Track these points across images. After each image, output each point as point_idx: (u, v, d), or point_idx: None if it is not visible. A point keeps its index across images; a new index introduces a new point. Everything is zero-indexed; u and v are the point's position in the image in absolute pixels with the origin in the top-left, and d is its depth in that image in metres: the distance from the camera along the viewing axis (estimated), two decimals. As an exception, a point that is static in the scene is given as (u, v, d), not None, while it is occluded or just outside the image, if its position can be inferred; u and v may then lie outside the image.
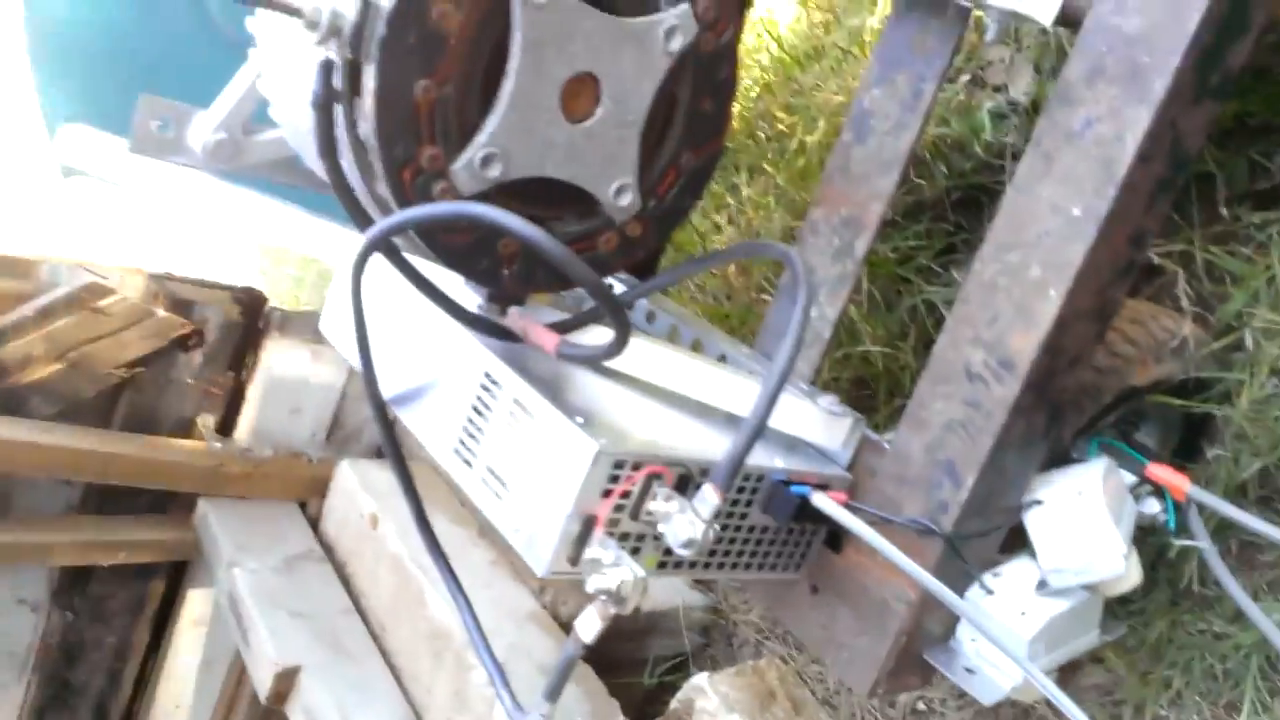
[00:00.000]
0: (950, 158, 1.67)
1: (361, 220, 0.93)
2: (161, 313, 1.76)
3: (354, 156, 0.89)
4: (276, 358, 1.94)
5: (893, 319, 1.73)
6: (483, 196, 0.91)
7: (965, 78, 1.72)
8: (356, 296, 0.96)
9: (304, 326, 1.97)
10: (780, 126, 1.77)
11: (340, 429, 2.08)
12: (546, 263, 1.01)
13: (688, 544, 0.89)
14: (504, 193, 0.93)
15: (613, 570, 0.87)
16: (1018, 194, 1.06)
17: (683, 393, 1.12)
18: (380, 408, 1.09)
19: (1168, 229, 1.47)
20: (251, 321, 1.93)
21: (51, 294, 1.72)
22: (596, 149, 0.96)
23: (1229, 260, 1.38)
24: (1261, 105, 1.40)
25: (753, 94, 1.83)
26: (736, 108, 1.88)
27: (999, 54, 1.72)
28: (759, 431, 0.86)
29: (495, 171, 0.90)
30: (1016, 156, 1.41)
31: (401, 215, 0.84)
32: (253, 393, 1.96)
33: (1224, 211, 1.43)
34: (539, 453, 0.95)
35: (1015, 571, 1.17)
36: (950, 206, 1.71)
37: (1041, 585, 1.15)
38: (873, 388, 1.75)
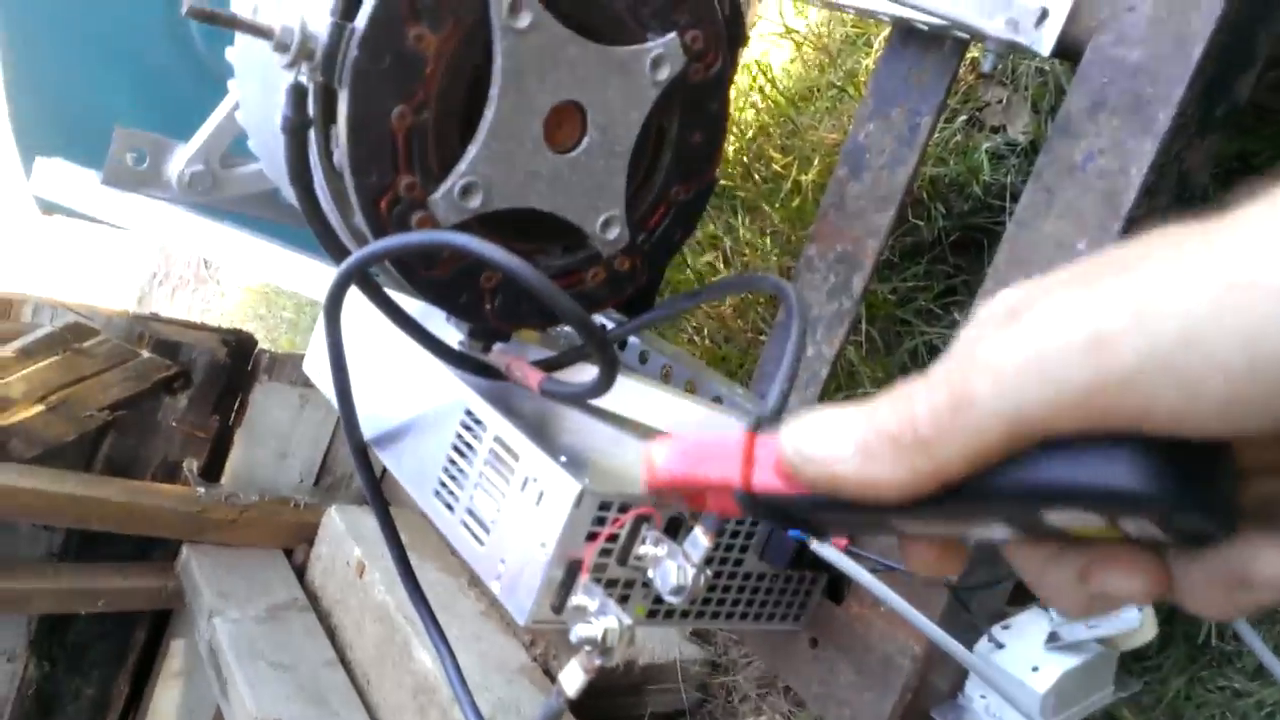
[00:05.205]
0: (948, 198, 1.64)
1: (337, 253, 0.90)
2: (146, 354, 1.72)
3: (329, 186, 0.86)
4: (264, 401, 1.89)
5: (893, 362, 1.69)
6: (463, 228, 0.87)
7: (962, 119, 1.70)
8: (332, 332, 0.93)
9: (293, 369, 1.92)
10: (776, 167, 1.74)
11: (328, 474, 2.03)
12: (530, 296, 0.98)
13: (677, 591, 0.84)
14: (486, 225, 0.90)
15: (598, 619, 0.81)
16: (1019, 229, 1.03)
17: (674, 434, 1.08)
18: (360, 449, 1.05)
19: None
20: (239, 364, 1.89)
21: (33, 334, 1.69)
22: (582, 180, 0.93)
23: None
24: (1265, 144, 1.38)
25: (748, 135, 1.81)
26: (732, 148, 1.86)
27: (996, 94, 1.70)
28: (750, 472, 0.82)
29: (476, 202, 0.87)
30: (1015, 197, 1.39)
31: (376, 245, 0.80)
32: (239, 437, 1.91)
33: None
34: (521, 494, 0.90)
35: (1025, 625, 1.11)
36: (949, 248, 1.68)
37: (1053, 639, 1.09)
38: (873, 433, 1.70)
